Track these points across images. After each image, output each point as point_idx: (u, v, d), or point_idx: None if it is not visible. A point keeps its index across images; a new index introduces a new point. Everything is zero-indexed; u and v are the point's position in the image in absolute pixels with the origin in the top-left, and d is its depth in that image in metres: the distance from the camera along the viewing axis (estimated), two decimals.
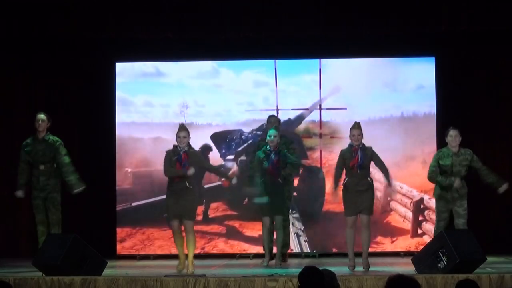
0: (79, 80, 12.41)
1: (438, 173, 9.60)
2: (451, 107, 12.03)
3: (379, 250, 11.66)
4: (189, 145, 9.51)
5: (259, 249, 11.53)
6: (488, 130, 12.11)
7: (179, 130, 9.55)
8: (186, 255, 9.55)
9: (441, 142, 11.54)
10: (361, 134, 9.54)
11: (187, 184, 9.42)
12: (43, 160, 9.95)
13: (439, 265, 8.40)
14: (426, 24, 11.16)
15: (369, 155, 9.54)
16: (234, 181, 9.94)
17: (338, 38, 11.80)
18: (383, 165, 9.62)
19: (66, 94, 12.36)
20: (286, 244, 10.55)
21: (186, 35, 11.46)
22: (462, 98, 12.12)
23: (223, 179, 10.51)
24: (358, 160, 9.46)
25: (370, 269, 9.47)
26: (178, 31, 11.35)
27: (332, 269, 5.87)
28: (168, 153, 9.54)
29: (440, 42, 11.99)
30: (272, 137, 9.94)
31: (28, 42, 11.98)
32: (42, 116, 10.02)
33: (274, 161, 9.86)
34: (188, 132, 9.54)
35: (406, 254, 11.37)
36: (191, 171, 9.35)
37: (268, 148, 9.94)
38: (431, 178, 9.66)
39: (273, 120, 10.47)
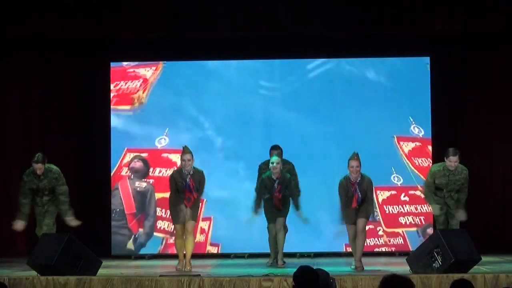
0: (73, 81, 12.38)
1: (433, 193, 9.82)
2: (446, 107, 12.04)
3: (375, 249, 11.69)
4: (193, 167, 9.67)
5: (254, 249, 11.56)
6: (483, 130, 12.12)
7: (183, 153, 9.60)
8: (184, 255, 9.68)
9: (435, 142, 11.60)
10: (359, 166, 9.59)
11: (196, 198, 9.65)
12: (44, 192, 9.96)
13: (434, 265, 8.41)
14: (421, 24, 11.18)
15: (365, 190, 9.65)
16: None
17: (333, 38, 11.80)
18: (371, 205, 9.77)
19: (61, 94, 12.33)
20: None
21: (181, 35, 11.47)
22: (457, 98, 12.13)
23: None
24: (358, 199, 9.58)
25: (365, 269, 9.50)
26: (173, 31, 11.35)
27: (327, 269, 5.87)
28: (174, 177, 9.65)
29: (435, 42, 12.00)
30: (275, 163, 10.01)
31: (22, 43, 11.95)
32: (39, 165, 9.83)
33: (277, 191, 9.94)
34: (192, 155, 9.58)
35: (401, 253, 11.37)
36: (188, 215, 9.51)
37: (270, 175, 10.04)
38: (426, 200, 10.03)
39: (275, 153, 10.47)
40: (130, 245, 11.97)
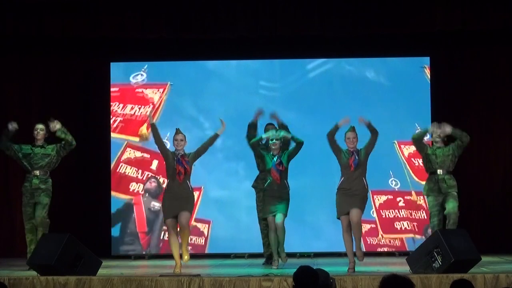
0: (73, 80, 12.39)
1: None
2: (446, 107, 12.05)
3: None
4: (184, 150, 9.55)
5: (253, 249, 11.57)
6: (483, 129, 12.14)
7: (176, 134, 9.54)
8: (181, 257, 9.58)
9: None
10: (356, 137, 9.56)
11: (188, 186, 9.44)
12: (38, 165, 9.97)
13: (434, 265, 8.40)
14: (421, 24, 11.18)
15: (364, 153, 9.54)
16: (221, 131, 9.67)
17: (333, 38, 11.81)
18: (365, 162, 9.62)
19: (60, 94, 12.34)
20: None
21: (181, 35, 11.47)
22: (457, 98, 12.13)
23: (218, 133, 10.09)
24: (354, 161, 9.47)
25: (365, 269, 9.46)
26: (172, 31, 11.35)
27: (327, 269, 5.87)
28: (168, 157, 9.56)
29: (434, 42, 12.01)
30: (274, 140, 9.96)
31: (22, 42, 11.96)
32: (41, 125, 10.07)
33: (276, 163, 9.87)
34: (185, 136, 9.53)
35: (401, 253, 11.37)
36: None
37: (271, 153, 9.99)
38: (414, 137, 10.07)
39: (271, 128, 10.44)
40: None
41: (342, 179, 9.55)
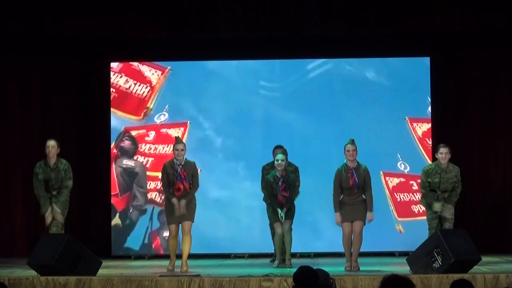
0: (73, 81, 12.39)
1: (429, 191, 9.80)
2: (446, 107, 12.05)
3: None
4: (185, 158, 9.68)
5: (253, 249, 11.57)
6: (483, 129, 12.13)
7: (176, 143, 9.64)
8: (177, 257, 9.72)
9: (436, 142, 11.58)
10: (355, 150, 9.67)
11: (189, 189, 9.59)
12: (55, 187, 9.95)
13: (434, 265, 8.41)
14: (421, 24, 11.17)
15: (363, 176, 9.67)
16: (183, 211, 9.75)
17: (333, 38, 11.80)
18: (369, 191, 9.75)
19: (60, 94, 12.34)
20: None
21: (181, 35, 11.47)
22: (457, 98, 12.13)
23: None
24: (355, 181, 9.59)
25: (365, 269, 9.50)
26: (172, 31, 11.35)
27: (327, 269, 5.87)
28: (166, 166, 9.68)
29: (434, 42, 12.01)
30: (280, 161, 10.04)
31: (22, 42, 11.95)
32: (52, 142, 9.92)
33: (281, 188, 9.95)
34: (185, 145, 9.63)
35: (401, 254, 11.37)
36: (183, 208, 9.52)
37: (275, 173, 10.04)
38: (426, 200, 9.88)
39: (279, 151, 10.47)
40: (117, 220, 11.95)
41: (342, 196, 9.69)
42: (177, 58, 12.21)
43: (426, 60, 12.02)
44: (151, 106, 12.08)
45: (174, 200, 9.56)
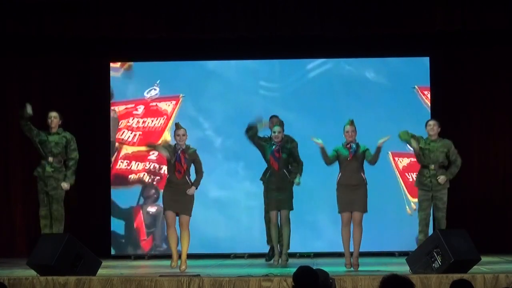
0: (73, 81, 12.39)
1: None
2: (446, 107, 12.05)
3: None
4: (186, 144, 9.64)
5: (253, 249, 11.57)
6: (483, 129, 12.13)
7: (177, 129, 9.65)
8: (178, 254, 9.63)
9: None
10: (354, 131, 9.63)
11: (188, 180, 9.53)
12: (53, 152, 9.99)
13: (433, 265, 8.40)
14: (420, 24, 11.18)
15: (363, 151, 9.58)
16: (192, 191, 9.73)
17: (333, 38, 11.80)
18: (371, 155, 9.64)
19: (60, 94, 12.33)
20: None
21: (181, 35, 11.47)
22: (457, 98, 12.13)
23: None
24: (351, 146, 9.54)
25: (364, 269, 9.48)
26: (172, 31, 11.35)
27: (327, 269, 5.87)
28: (168, 151, 9.61)
29: (434, 42, 12.01)
30: (276, 132, 10.03)
31: (22, 42, 11.96)
32: (54, 113, 10.15)
33: (275, 151, 9.92)
34: (186, 131, 9.62)
35: (401, 254, 11.37)
36: (191, 190, 9.51)
37: (272, 143, 10.02)
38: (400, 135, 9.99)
39: (275, 120, 10.48)
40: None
41: (340, 174, 9.62)
42: (177, 58, 12.21)
43: (426, 60, 12.03)
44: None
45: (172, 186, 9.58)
